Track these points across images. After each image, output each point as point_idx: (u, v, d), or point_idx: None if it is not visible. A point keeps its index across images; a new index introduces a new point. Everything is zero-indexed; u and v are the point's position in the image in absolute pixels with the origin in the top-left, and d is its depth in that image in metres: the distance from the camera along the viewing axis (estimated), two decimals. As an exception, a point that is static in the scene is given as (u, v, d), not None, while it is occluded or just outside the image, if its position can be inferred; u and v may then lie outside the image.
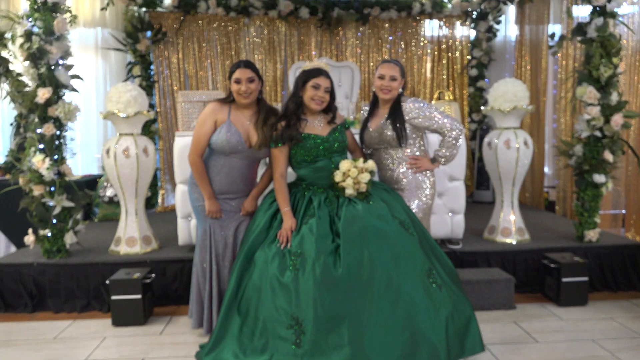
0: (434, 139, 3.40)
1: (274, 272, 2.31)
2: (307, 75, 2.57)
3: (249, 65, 2.65)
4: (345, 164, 2.51)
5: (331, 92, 2.61)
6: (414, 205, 2.72)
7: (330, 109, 2.65)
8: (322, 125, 2.62)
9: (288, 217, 2.48)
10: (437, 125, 2.68)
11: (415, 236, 2.42)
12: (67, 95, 3.51)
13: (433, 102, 5.79)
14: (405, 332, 2.18)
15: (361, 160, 2.54)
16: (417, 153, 2.78)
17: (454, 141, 2.70)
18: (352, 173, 2.48)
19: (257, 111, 2.72)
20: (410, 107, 2.70)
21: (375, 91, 2.78)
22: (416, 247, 2.38)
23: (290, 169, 2.69)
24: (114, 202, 4.97)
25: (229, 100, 2.70)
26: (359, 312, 2.20)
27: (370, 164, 2.54)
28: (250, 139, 2.67)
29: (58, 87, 3.38)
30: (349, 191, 2.49)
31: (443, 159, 2.75)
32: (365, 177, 2.49)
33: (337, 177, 2.51)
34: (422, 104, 2.71)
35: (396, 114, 2.70)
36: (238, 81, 2.61)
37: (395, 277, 2.26)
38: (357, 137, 2.92)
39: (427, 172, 2.78)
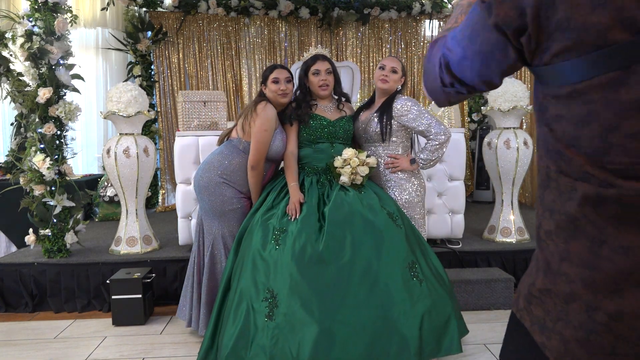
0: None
1: (257, 246, 2.33)
2: (306, 65, 2.67)
3: (284, 67, 2.73)
4: (348, 152, 2.53)
5: (334, 74, 2.67)
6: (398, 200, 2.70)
7: (336, 92, 2.73)
8: (331, 111, 2.70)
9: (295, 191, 2.49)
10: (423, 127, 2.63)
11: (402, 229, 2.42)
12: (68, 95, 3.52)
13: (433, 102, 5.79)
14: (377, 320, 2.17)
15: (365, 153, 2.56)
16: (400, 153, 2.74)
17: (437, 146, 2.63)
18: (353, 162, 2.49)
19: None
20: (401, 104, 2.66)
21: (375, 83, 2.79)
22: (401, 239, 2.37)
23: None
24: (114, 202, 4.97)
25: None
26: (333, 293, 2.19)
27: (373, 160, 2.56)
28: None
29: (59, 87, 3.39)
30: (344, 179, 2.49)
31: (422, 162, 2.67)
32: (364, 170, 2.50)
33: (337, 162, 2.52)
34: (412, 104, 2.67)
35: (385, 109, 2.69)
36: (276, 81, 2.63)
37: (375, 265, 2.26)
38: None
39: (412, 172, 2.73)
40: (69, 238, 3.46)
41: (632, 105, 0.62)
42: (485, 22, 0.74)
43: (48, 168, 3.30)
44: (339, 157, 2.54)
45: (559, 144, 0.71)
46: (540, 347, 0.75)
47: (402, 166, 2.70)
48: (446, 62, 0.84)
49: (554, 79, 0.69)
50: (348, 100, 2.80)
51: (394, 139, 2.71)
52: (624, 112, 0.63)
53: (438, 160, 2.72)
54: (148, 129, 5.61)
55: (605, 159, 0.65)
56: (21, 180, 3.41)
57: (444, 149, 2.66)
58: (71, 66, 3.49)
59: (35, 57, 3.30)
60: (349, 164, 2.49)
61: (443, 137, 2.63)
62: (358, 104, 4.53)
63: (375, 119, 2.69)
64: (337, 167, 2.52)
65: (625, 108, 0.63)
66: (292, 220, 2.39)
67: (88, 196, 3.66)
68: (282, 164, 2.77)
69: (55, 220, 3.42)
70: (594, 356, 0.69)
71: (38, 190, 3.35)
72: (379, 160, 2.72)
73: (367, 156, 2.56)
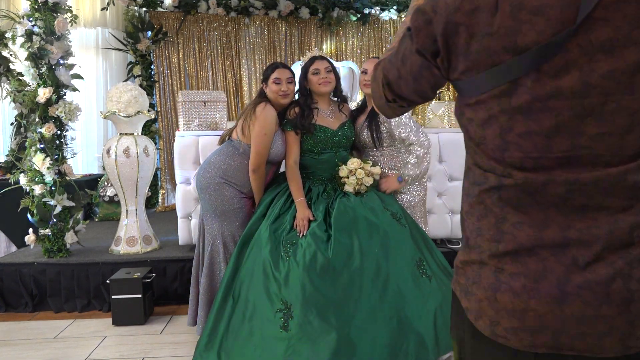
0: (434, 140, 3.40)
1: (266, 256, 2.32)
2: (305, 68, 2.64)
3: (286, 66, 2.68)
4: (353, 163, 2.52)
5: (335, 73, 2.65)
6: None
7: (337, 93, 2.71)
8: (333, 117, 2.66)
9: (303, 207, 2.47)
10: (405, 134, 2.59)
11: (406, 227, 2.43)
12: (68, 95, 3.52)
13: (433, 102, 5.78)
14: (392, 321, 2.18)
15: (370, 163, 2.55)
16: (397, 157, 2.71)
17: (416, 160, 2.58)
18: (358, 173, 2.49)
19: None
20: None
21: (361, 88, 2.77)
22: (407, 238, 2.39)
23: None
24: (114, 202, 4.97)
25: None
26: (347, 299, 2.20)
27: (378, 170, 2.55)
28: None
29: (59, 86, 3.39)
30: (349, 189, 2.50)
31: (409, 178, 2.62)
32: (369, 181, 2.51)
33: (342, 172, 2.52)
34: None
35: (374, 115, 2.65)
36: (278, 81, 2.59)
37: (384, 267, 2.27)
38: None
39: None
40: (69, 238, 3.46)
41: (521, 110, 0.76)
42: (411, 48, 0.89)
43: (48, 168, 3.30)
44: (344, 166, 2.53)
45: (472, 142, 0.87)
46: (465, 311, 0.86)
47: (391, 187, 2.65)
48: (387, 82, 0.97)
49: (464, 91, 0.84)
50: (345, 101, 2.79)
51: (387, 144, 2.68)
52: (515, 115, 0.77)
53: (425, 173, 2.67)
54: (148, 129, 5.61)
55: (505, 154, 0.80)
56: (21, 180, 3.41)
57: (427, 161, 2.62)
58: (71, 66, 3.49)
59: (36, 57, 3.30)
60: (354, 174, 2.49)
61: (421, 150, 2.59)
62: (358, 104, 4.53)
63: (366, 126, 2.67)
64: (342, 177, 2.52)
65: (515, 112, 0.77)
66: (301, 237, 2.39)
67: (88, 196, 3.66)
68: (282, 166, 2.76)
69: (55, 220, 3.42)
70: (499, 312, 0.80)
71: (38, 190, 3.35)
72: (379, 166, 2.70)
73: (373, 165, 2.54)
